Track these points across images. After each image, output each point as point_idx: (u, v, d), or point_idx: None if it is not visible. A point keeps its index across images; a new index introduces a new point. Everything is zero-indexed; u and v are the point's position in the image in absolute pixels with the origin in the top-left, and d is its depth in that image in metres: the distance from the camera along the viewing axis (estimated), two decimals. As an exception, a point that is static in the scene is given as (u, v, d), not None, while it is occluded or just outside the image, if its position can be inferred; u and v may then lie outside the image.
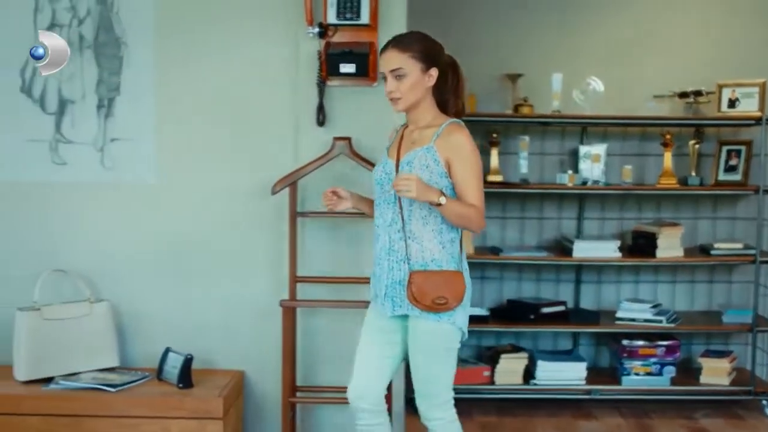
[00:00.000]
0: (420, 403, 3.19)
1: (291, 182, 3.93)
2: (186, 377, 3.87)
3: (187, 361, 3.88)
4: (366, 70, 3.94)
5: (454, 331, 3.12)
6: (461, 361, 4.89)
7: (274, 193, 3.92)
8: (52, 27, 4.11)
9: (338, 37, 3.97)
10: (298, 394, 4.04)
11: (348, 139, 3.95)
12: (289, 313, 3.93)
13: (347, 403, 4.03)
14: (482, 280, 5.20)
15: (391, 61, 3.10)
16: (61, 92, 4.14)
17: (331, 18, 3.94)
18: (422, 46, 3.11)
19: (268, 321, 4.09)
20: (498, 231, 5.21)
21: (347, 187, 4.05)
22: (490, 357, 4.95)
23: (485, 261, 5.03)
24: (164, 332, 4.16)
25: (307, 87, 4.04)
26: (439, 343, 3.11)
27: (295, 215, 3.96)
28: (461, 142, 3.06)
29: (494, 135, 4.97)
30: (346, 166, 4.02)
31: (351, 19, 3.93)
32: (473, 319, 4.83)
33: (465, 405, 4.78)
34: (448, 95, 3.20)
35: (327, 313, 4.09)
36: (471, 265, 5.07)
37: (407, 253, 3.09)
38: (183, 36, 4.14)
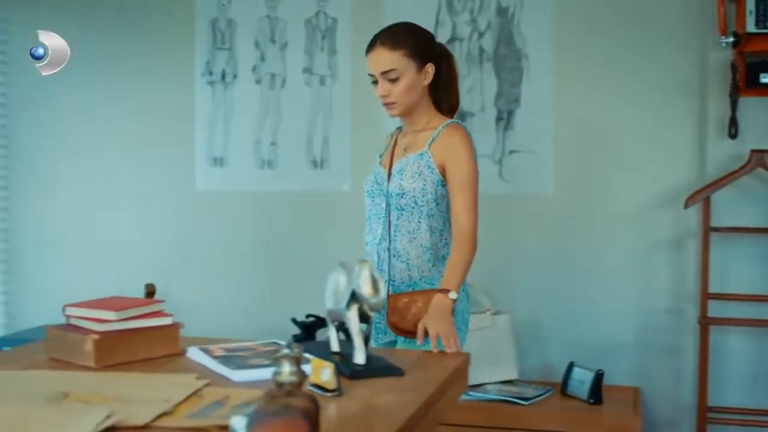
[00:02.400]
0: None
1: (705, 196, 3.82)
2: (597, 393, 3.81)
3: (598, 377, 3.82)
4: (795, 79, 3.78)
5: None
6: None
7: (687, 206, 3.82)
8: (452, 40, 4.16)
9: (751, 47, 3.83)
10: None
11: (766, 151, 3.80)
12: (705, 331, 3.81)
13: (761, 425, 3.90)
14: None
15: (381, 61, 2.67)
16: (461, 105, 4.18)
17: (750, 27, 3.79)
18: (415, 41, 2.70)
19: (665, 337, 4.01)
20: None
21: (761, 203, 3.91)
22: None
23: None
24: (556, 345, 4.14)
25: (715, 97, 3.92)
26: None
27: (708, 230, 3.84)
28: (457, 146, 2.67)
29: None
30: (757, 180, 3.87)
31: (772, 27, 3.78)
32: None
33: None
34: (442, 90, 2.81)
35: (735, 331, 3.94)
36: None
37: (391, 274, 2.70)
38: (580, 45, 4.11)
